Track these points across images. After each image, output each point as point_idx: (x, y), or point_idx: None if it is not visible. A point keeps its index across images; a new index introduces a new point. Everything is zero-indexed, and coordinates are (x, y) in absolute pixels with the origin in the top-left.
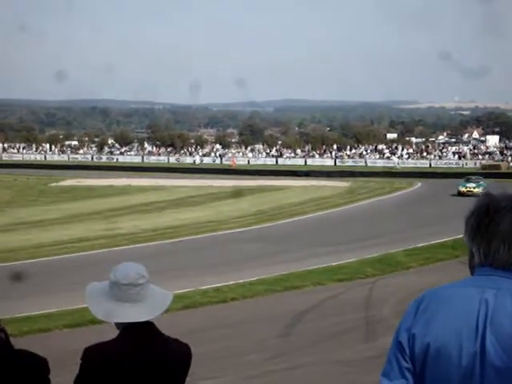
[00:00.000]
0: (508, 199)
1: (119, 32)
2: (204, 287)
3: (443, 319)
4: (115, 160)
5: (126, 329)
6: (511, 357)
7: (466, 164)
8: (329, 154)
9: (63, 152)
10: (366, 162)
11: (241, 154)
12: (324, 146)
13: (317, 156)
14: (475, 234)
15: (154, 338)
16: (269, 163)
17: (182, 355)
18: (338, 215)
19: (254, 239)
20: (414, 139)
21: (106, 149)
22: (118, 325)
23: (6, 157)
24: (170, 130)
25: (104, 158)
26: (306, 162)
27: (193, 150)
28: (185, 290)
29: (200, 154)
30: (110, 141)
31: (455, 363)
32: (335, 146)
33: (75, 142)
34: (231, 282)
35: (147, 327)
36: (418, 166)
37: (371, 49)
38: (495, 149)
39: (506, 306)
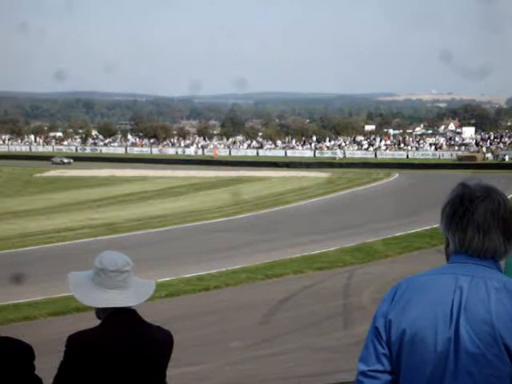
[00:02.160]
0: (482, 189)
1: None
2: (187, 275)
3: (418, 306)
4: (99, 151)
5: (109, 316)
6: (485, 343)
7: (443, 155)
8: (308, 146)
9: (48, 143)
10: (344, 153)
11: (222, 145)
12: (304, 138)
13: (297, 147)
14: (450, 222)
15: (136, 325)
16: (250, 154)
17: (164, 342)
18: (317, 205)
19: (237, 228)
20: (391, 131)
21: (90, 140)
22: (101, 313)
23: None
24: (152, 121)
25: (88, 150)
26: (286, 153)
27: (175, 141)
28: (168, 279)
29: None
30: (94, 132)
31: (430, 349)
32: (315, 138)
33: (60, 134)
34: (214, 271)
35: (130, 314)
36: (395, 157)
37: (350, 42)
38: (471, 140)
39: (479, 292)
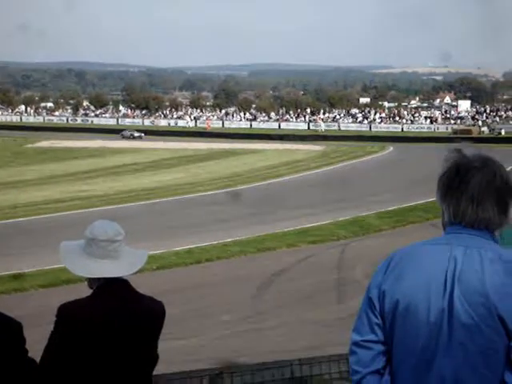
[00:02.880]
0: (479, 159)
1: None
2: (178, 248)
3: (412, 276)
4: (90, 122)
5: (102, 286)
6: (478, 313)
7: (438, 128)
8: (302, 118)
9: (39, 114)
10: (339, 126)
11: (215, 117)
12: (298, 110)
13: (291, 120)
14: (446, 192)
15: (128, 294)
16: (243, 126)
17: (156, 312)
18: (311, 178)
19: (229, 201)
20: (386, 104)
21: (81, 111)
22: (93, 283)
23: None
24: (144, 92)
25: (79, 120)
26: (279, 125)
27: (167, 112)
28: (159, 251)
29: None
30: (85, 103)
31: (423, 319)
32: (309, 110)
33: (50, 104)
34: (206, 244)
35: (122, 284)
36: (390, 130)
37: (346, 14)
38: (467, 114)
39: (473, 263)
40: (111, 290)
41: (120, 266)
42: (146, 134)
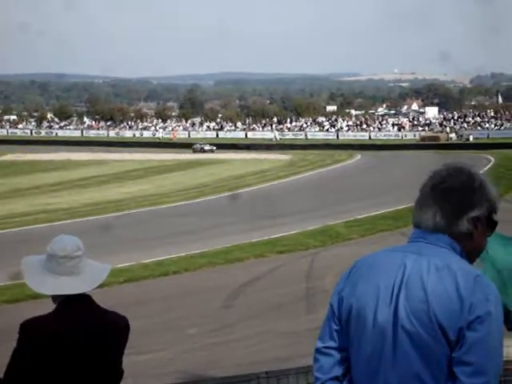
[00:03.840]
0: (450, 169)
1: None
2: (146, 261)
3: (365, 282)
4: (54, 134)
5: (64, 302)
6: (420, 321)
7: (406, 136)
8: (269, 127)
9: (2, 127)
10: (306, 135)
11: (181, 127)
12: (265, 119)
13: (257, 129)
14: (417, 202)
15: (91, 310)
16: (209, 136)
17: (119, 327)
18: (279, 188)
19: (196, 212)
20: (353, 111)
21: (45, 123)
22: (56, 298)
23: None
24: (109, 103)
25: (43, 133)
26: (246, 134)
27: (132, 123)
28: (127, 264)
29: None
30: (49, 115)
31: (371, 325)
32: (275, 119)
33: (14, 117)
34: (173, 256)
35: (84, 300)
36: (357, 138)
37: (311, 21)
38: (434, 120)
39: (420, 270)
40: (74, 306)
41: (80, 282)
42: (111, 146)
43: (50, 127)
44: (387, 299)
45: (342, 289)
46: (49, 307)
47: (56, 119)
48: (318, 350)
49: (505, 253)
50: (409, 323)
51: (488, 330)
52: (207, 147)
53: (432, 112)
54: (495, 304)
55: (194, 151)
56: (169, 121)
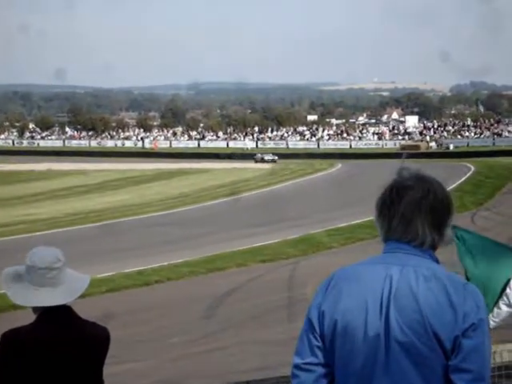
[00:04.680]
0: (413, 178)
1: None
2: (128, 270)
3: (350, 296)
4: (36, 145)
5: (44, 313)
6: (414, 331)
7: (386, 144)
8: (251, 137)
9: None
10: (287, 144)
11: (162, 137)
12: (246, 129)
13: (239, 138)
14: (380, 213)
15: (71, 321)
16: (191, 146)
17: (99, 338)
18: (260, 197)
19: (178, 222)
20: (334, 120)
21: (27, 133)
22: (36, 309)
23: None
24: (91, 113)
25: (25, 143)
26: (228, 144)
27: (114, 133)
28: (109, 274)
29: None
30: (31, 125)
31: (361, 339)
32: (256, 129)
33: None
34: (155, 265)
35: (64, 311)
36: (338, 147)
37: (290, 31)
38: (414, 129)
39: (409, 281)
40: (53, 317)
41: (59, 294)
42: (92, 156)
43: (32, 137)
44: (377, 312)
45: (321, 302)
46: (30, 318)
47: (38, 129)
48: (297, 366)
49: (474, 265)
50: (402, 334)
51: (482, 337)
52: (268, 157)
53: (412, 121)
54: (484, 311)
55: (256, 161)
56: (153, 131)
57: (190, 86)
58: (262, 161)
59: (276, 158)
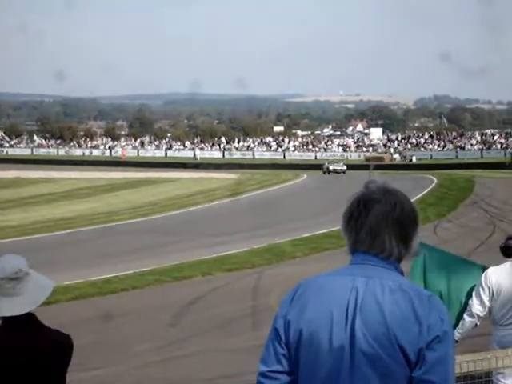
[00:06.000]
0: (380, 191)
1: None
2: (93, 278)
3: (315, 306)
4: (5, 153)
5: (7, 321)
6: (379, 343)
7: (351, 156)
8: (217, 147)
9: None
10: (253, 155)
11: (130, 146)
12: (215, 139)
13: (206, 148)
14: (347, 225)
15: (34, 329)
16: (158, 155)
17: (62, 345)
18: (226, 206)
19: (145, 230)
20: (300, 132)
21: None
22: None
23: None
24: (59, 122)
25: None
26: (194, 154)
27: (82, 142)
28: (74, 282)
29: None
30: (0, 133)
31: (325, 350)
32: (223, 139)
33: None
34: (121, 273)
35: (28, 319)
36: (304, 158)
37: (258, 43)
38: (379, 141)
39: (375, 293)
40: (16, 325)
41: (19, 303)
42: (60, 164)
43: (1, 145)
44: (342, 323)
45: (286, 312)
46: None
47: (6, 137)
48: (262, 374)
49: (436, 280)
50: (367, 346)
51: (446, 349)
52: (337, 167)
53: (376, 133)
54: (449, 323)
55: (324, 172)
56: (120, 140)
57: (157, 96)
58: (333, 171)
59: (345, 167)
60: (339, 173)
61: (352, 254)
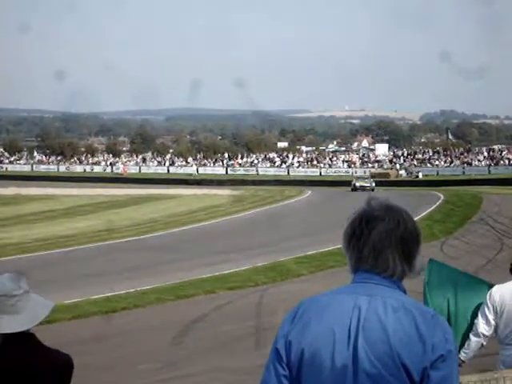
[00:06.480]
0: (382, 208)
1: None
2: (95, 297)
3: (317, 326)
4: (4, 169)
5: (6, 339)
6: (382, 362)
7: (356, 172)
8: (220, 163)
9: None
10: (257, 171)
11: (132, 162)
12: (218, 155)
13: (208, 164)
14: (349, 243)
15: (33, 348)
16: (160, 172)
17: (62, 366)
18: (229, 223)
19: (147, 248)
20: (304, 148)
21: None
22: (0, 335)
23: None
24: (60, 138)
25: None
26: (197, 170)
27: (83, 158)
28: (75, 300)
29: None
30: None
31: (328, 369)
32: (226, 155)
33: None
34: (122, 292)
35: (27, 338)
36: (308, 174)
37: (261, 58)
38: (384, 157)
39: (377, 312)
40: (15, 344)
41: (18, 321)
42: (61, 181)
43: (0, 161)
44: (344, 342)
45: (288, 332)
46: None
47: (6, 154)
48: None
49: (443, 298)
50: (370, 365)
51: (451, 369)
52: (365, 184)
53: (382, 149)
54: (453, 342)
55: (353, 189)
56: (122, 156)
57: (159, 111)
58: (361, 189)
59: (373, 184)
60: (367, 190)
61: (354, 272)
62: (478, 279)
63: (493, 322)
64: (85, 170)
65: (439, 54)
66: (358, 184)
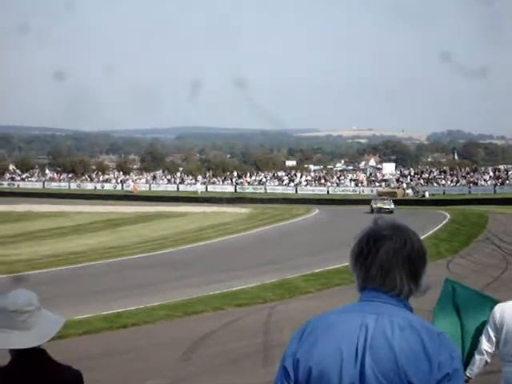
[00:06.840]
0: (389, 228)
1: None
2: (105, 313)
3: (325, 344)
4: (16, 186)
5: (17, 355)
6: (389, 380)
7: (363, 191)
8: (229, 181)
9: None
10: (265, 189)
11: (142, 180)
12: (227, 173)
13: (218, 182)
14: (356, 261)
15: (44, 364)
16: (170, 189)
17: (72, 381)
18: (238, 241)
19: (156, 264)
20: (312, 167)
21: (7, 175)
22: (11, 351)
23: None
24: (71, 156)
25: (5, 184)
26: (206, 188)
27: (94, 176)
28: (85, 316)
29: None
30: (12, 167)
31: None
32: (235, 173)
33: None
34: (132, 308)
35: (38, 354)
36: (316, 192)
37: (270, 77)
38: (391, 176)
39: (385, 331)
40: (26, 360)
41: (30, 337)
42: (72, 198)
43: (12, 179)
44: (351, 361)
45: (295, 350)
46: (7, 358)
47: (18, 171)
48: None
49: (450, 324)
50: (377, 383)
51: None
52: (384, 206)
53: (389, 168)
54: (459, 361)
55: (372, 211)
56: (132, 174)
57: (169, 130)
58: (373, 210)
59: (392, 206)
60: (385, 212)
61: (361, 290)
62: (486, 297)
63: (494, 340)
64: (95, 188)
65: (445, 61)
66: (374, 205)
